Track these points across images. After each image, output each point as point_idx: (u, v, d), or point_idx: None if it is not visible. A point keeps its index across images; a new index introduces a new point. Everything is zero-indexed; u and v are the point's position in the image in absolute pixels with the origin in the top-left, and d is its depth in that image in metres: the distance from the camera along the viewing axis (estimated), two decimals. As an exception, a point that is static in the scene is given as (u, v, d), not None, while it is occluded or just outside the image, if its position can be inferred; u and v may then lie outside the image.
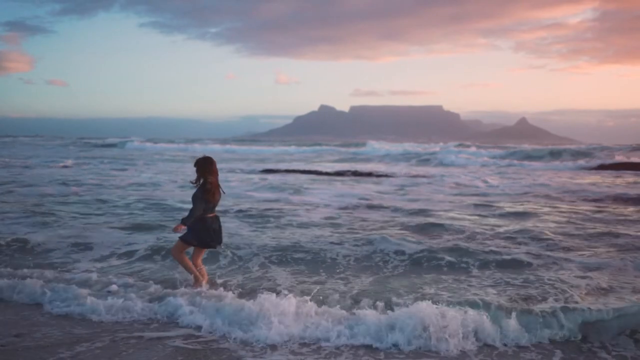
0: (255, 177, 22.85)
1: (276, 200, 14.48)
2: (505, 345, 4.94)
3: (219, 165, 6.52)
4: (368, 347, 4.88)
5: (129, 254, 8.16)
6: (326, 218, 11.51)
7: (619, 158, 34.22)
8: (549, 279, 6.72)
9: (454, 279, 6.91)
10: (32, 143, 78.98)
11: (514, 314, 5.18)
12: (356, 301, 5.87)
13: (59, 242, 8.74)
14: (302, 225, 10.55)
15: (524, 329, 5.07)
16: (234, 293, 5.98)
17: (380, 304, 5.57)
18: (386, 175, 24.52)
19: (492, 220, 11.36)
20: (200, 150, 52.96)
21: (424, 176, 24.10)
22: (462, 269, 7.39)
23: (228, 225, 10.10)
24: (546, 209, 13.17)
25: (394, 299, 5.87)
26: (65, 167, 28.54)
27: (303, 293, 6.14)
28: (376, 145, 57.32)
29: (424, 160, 38.73)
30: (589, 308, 5.30)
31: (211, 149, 57.43)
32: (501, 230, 10.12)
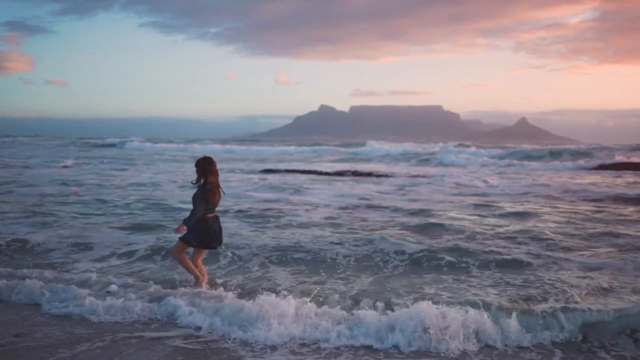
0: (255, 177, 22.84)
1: (276, 200, 14.48)
2: (505, 345, 4.93)
3: (219, 165, 6.51)
4: (368, 348, 4.86)
5: (129, 254, 8.16)
6: (326, 218, 11.51)
7: (619, 158, 34.22)
8: (549, 279, 6.71)
9: (454, 279, 6.91)
10: (32, 143, 78.96)
11: (514, 315, 5.15)
12: (356, 301, 5.86)
13: (59, 242, 8.73)
14: (302, 225, 10.54)
15: (525, 330, 5.05)
16: (234, 293, 5.97)
17: (380, 304, 5.55)
18: (386, 175, 24.52)
19: (492, 220, 11.36)
20: (200, 150, 52.97)
21: (424, 176, 24.10)
22: (462, 269, 7.39)
23: (228, 225, 10.10)
24: (546, 209, 13.16)
25: (394, 299, 5.87)
26: (65, 167, 28.54)
27: (303, 293, 6.14)
28: (376, 145, 57.28)
29: (423, 160, 38.73)
30: (590, 309, 5.28)
31: (211, 149, 57.43)
32: (501, 230, 10.12)
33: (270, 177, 22.92)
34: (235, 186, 18.06)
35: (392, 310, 5.33)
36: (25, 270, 6.97)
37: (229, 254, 7.93)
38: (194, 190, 6.35)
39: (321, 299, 5.91)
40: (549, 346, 4.94)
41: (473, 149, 47.63)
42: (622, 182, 21.53)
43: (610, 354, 4.81)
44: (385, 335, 4.95)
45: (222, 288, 6.25)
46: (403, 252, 8.06)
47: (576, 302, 5.74)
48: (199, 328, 5.24)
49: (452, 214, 12.12)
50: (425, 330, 4.89)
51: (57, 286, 6.22)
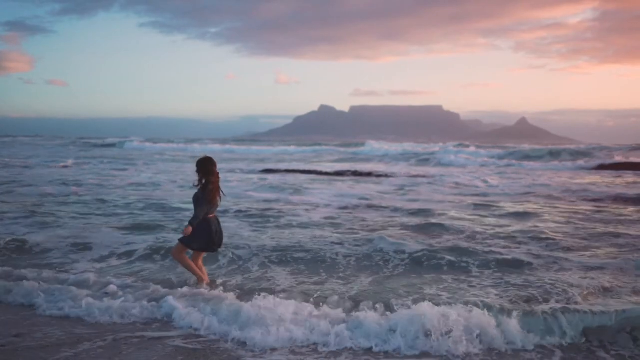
0: (255, 177, 22.84)
1: (276, 200, 14.48)
2: (507, 344, 4.88)
3: (218, 166, 6.49)
4: (368, 350, 4.81)
5: (128, 254, 8.14)
6: (326, 218, 11.50)
7: (619, 158, 34.23)
8: (549, 280, 6.70)
9: (454, 279, 6.90)
10: (31, 143, 78.95)
11: (516, 318, 5.10)
12: (356, 302, 5.83)
13: (58, 242, 8.71)
14: (302, 225, 10.54)
15: (527, 333, 4.98)
16: (233, 293, 5.95)
17: (380, 306, 5.53)
18: (386, 175, 24.51)
19: (492, 220, 11.36)
20: (200, 150, 52.98)
21: (424, 176, 24.10)
22: (462, 269, 7.37)
23: (228, 225, 10.09)
24: (546, 209, 13.16)
25: (395, 300, 5.84)
26: (65, 167, 28.54)
27: (303, 294, 6.13)
28: (375, 145, 57.21)
29: (423, 160, 38.72)
30: (591, 310, 5.24)
31: (211, 149, 57.41)
32: (501, 230, 10.11)
33: (270, 177, 22.92)
34: (235, 186, 18.05)
35: (393, 311, 5.29)
36: (23, 271, 6.92)
37: (229, 254, 7.92)
38: (194, 191, 6.33)
39: (321, 300, 5.89)
40: (548, 346, 4.93)
41: (472, 149, 47.61)
42: (622, 182, 21.53)
43: (610, 354, 4.80)
44: (386, 337, 4.89)
45: (221, 288, 6.24)
46: (403, 252, 8.05)
47: (578, 303, 5.71)
48: (198, 329, 5.21)
49: (452, 214, 12.11)
50: (427, 333, 4.83)
51: (53, 287, 6.17)
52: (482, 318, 5.03)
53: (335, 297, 5.99)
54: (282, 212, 12.10)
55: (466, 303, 5.41)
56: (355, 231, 9.94)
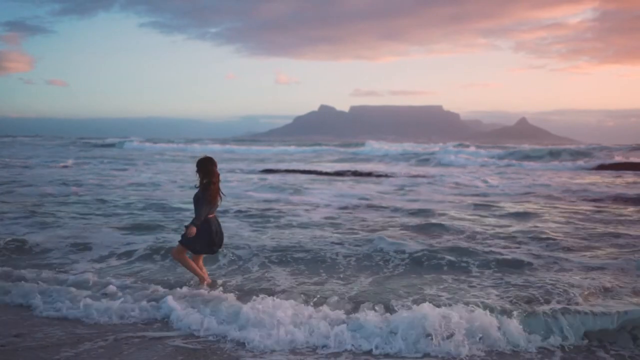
0: (255, 177, 22.84)
1: (276, 200, 14.47)
2: (508, 346, 4.86)
3: (218, 166, 6.48)
4: (368, 352, 4.77)
5: (128, 254, 8.13)
6: (326, 218, 11.50)
7: (619, 158, 34.23)
8: (550, 280, 6.69)
9: (454, 279, 6.89)
10: (31, 143, 78.94)
11: (517, 319, 5.08)
12: (356, 303, 5.80)
13: (58, 242, 8.70)
14: (302, 225, 10.53)
15: (528, 334, 4.95)
16: (233, 294, 5.94)
17: (381, 307, 5.50)
18: (386, 175, 24.51)
19: (492, 220, 11.35)
20: (200, 150, 52.96)
21: (424, 176, 24.09)
22: (462, 269, 7.37)
23: (228, 225, 10.09)
24: (546, 209, 13.16)
25: (395, 300, 5.82)
26: (65, 167, 28.54)
27: (303, 294, 6.11)
28: (375, 145, 57.16)
29: (423, 160, 38.71)
30: (592, 312, 5.22)
31: (211, 149, 57.40)
32: (501, 230, 10.11)
33: (270, 177, 22.92)
34: (235, 186, 18.05)
35: (394, 312, 5.27)
36: (22, 271, 6.91)
37: (229, 254, 7.92)
38: (195, 191, 6.32)
39: (321, 300, 5.86)
40: (549, 347, 4.90)
41: (472, 149, 47.58)
42: (622, 182, 21.53)
43: (610, 353, 4.80)
44: (387, 339, 4.85)
45: (221, 288, 6.24)
46: (403, 252, 8.04)
47: (579, 304, 5.69)
48: (197, 330, 5.19)
49: (452, 214, 12.11)
50: (428, 335, 4.78)
51: (51, 288, 6.15)
52: (484, 319, 4.99)
53: (335, 298, 5.97)
54: (282, 212, 12.09)
55: (466, 303, 5.39)
56: (355, 231, 9.94)
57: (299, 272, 7.29)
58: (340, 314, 5.31)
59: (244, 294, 6.10)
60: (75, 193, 15.59)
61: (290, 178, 22.60)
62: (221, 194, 6.36)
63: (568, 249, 8.52)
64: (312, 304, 5.67)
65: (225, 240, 6.78)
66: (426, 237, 9.40)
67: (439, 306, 5.24)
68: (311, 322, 5.13)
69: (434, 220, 11.03)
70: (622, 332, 5.05)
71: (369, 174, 25.33)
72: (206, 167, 6.22)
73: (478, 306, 5.31)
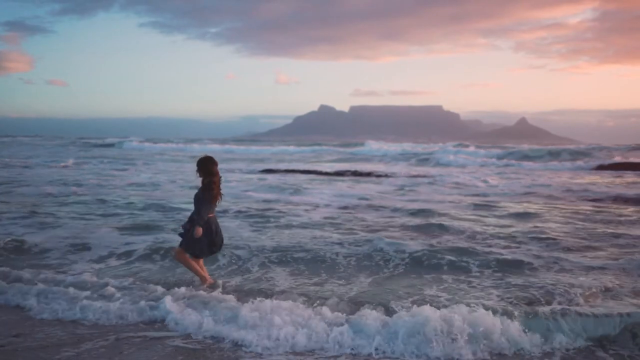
0: (255, 177, 22.83)
1: (276, 201, 14.46)
2: (510, 348, 4.82)
3: (218, 166, 6.47)
4: (368, 356, 4.73)
5: (128, 254, 8.12)
6: (326, 218, 11.49)
7: (618, 158, 34.22)
8: (551, 280, 6.68)
9: (455, 279, 6.87)
10: (31, 143, 78.91)
11: (519, 321, 5.05)
12: (356, 304, 5.75)
13: (57, 242, 8.69)
14: (302, 225, 10.52)
15: (529, 335, 4.92)
16: (233, 295, 5.92)
17: (381, 309, 5.45)
18: (386, 175, 24.49)
19: (492, 220, 11.34)
20: (199, 150, 52.94)
21: (424, 176, 24.08)
22: (462, 269, 7.35)
23: (228, 225, 10.08)
24: (546, 209, 13.15)
25: (395, 302, 5.79)
26: (66, 167, 28.53)
27: (302, 295, 6.09)
28: (374, 146, 57.08)
29: (422, 160, 38.70)
30: (594, 313, 5.21)
31: (210, 149, 57.37)
32: (501, 230, 10.10)
33: (270, 177, 22.91)
34: (235, 186, 18.03)
35: (395, 313, 5.21)
36: (21, 272, 6.87)
37: (229, 254, 7.90)
38: (194, 191, 6.30)
39: (320, 303, 5.79)
40: (550, 348, 4.88)
41: (472, 148, 47.53)
42: (622, 182, 21.52)
43: (609, 353, 4.79)
44: (387, 342, 4.79)
45: (221, 289, 6.22)
46: (403, 252, 8.03)
47: (580, 305, 5.68)
48: (196, 330, 5.18)
49: (452, 214, 12.10)
50: (429, 337, 4.73)
51: (48, 289, 6.11)
52: (486, 320, 4.93)
53: (335, 299, 5.94)
54: (282, 212, 12.08)
55: (467, 304, 5.35)
56: (355, 231, 9.93)
57: (299, 272, 7.28)
58: (340, 316, 5.27)
59: (244, 295, 6.09)
60: (75, 193, 15.58)
61: (290, 178, 22.59)
62: (220, 194, 6.35)
63: (568, 249, 8.51)
64: (311, 305, 5.64)
65: (225, 240, 6.77)
66: (426, 237, 9.39)
67: (439, 308, 5.20)
68: (310, 324, 5.08)
69: (434, 220, 11.02)
70: (622, 332, 5.04)
71: (369, 174, 25.31)
72: (207, 167, 6.21)
73: (479, 307, 5.25)
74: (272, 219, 11.17)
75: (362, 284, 6.68)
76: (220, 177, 6.30)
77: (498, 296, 6.10)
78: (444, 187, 19.14)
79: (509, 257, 7.83)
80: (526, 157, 39.21)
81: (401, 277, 7.03)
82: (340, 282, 6.80)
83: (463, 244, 8.70)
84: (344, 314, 5.34)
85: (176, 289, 6.11)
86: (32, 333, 5.11)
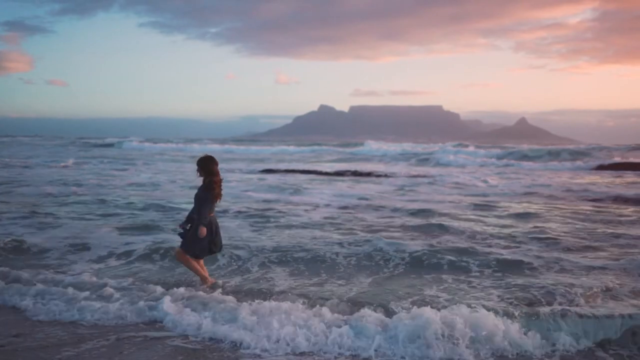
0: (255, 177, 22.83)
1: (276, 201, 14.46)
2: (511, 349, 4.80)
3: (218, 166, 6.46)
4: (368, 359, 4.68)
5: (127, 254, 8.11)
6: (326, 218, 11.48)
7: (618, 158, 34.21)
8: (551, 280, 6.67)
9: (455, 279, 6.86)
10: (31, 143, 78.89)
11: (519, 322, 5.03)
12: (356, 304, 5.71)
13: (57, 242, 8.68)
14: (301, 226, 10.51)
15: (530, 336, 4.89)
16: (232, 295, 5.91)
17: (381, 310, 5.42)
18: (386, 175, 24.49)
19: (492, 220, 11.34)
20: (199, 150, 52.94)
21: (424, 176, 24.07)
22: (462, 269, 7.34)
23: (228, 225, 10.08)
24: (546, 209, 13.14)
25: (395, 302, 5.77)
26: (66, 167, 28.53)
27: (302, 295, 6.07)
28: (374, 146, 57.03)
29: (422, 160, 38.70)
30: (594, 315, 5.19)
31: (210, 149, 57.34)
32: (501, 230, 10.09)
33: (270, 177, 22.90)
34: (235, 186, 18.03)
35: (395, 314, 5.19)
36: (20, 272, 6.85)
37: (228, 254, 7.90)
38: (194, 191, 6.30)
39: (320, 303, 5.75)
40: (550, 348, 4.87)
41: (471, 148, 47.52)
42: (622, 182, 21.52)
43: (609, 353, 4.79)
44: (387, 344, 4.75)
45: (221, 289, 6.21)
46: (403, 252, 8.02)
47: (581, 305, 5.66)
48: (196, 330, 5.16)
49: (452, 214, 12.09)
50: (430, 339, 4.70)
51: (46, 289, 6.09)
52: (487, 322, 4.90)
53: (335, 300, 5.90)
54: (281, 212, 12.08)
55: (467, 305, 5.33)
56: (355, 231, 9.92)
57: (299, 272, 7.27)
58: (340, 317, 5.24)
59: (243, 295, 6.08)
60: (74, 193, 15.57)
61: (290, 178, 22.59)
62: (220, 194, 6.35)
63: (568, 249, 8.50)
64: (311, 305, 5.61)
65: (225, 240, 6.77)
66: (426, 237, 9.38)
67: (439, 309, 5.18)
68: (310, 325, 5.06)
69: (434, 220, 11.01)
70: (620, 333, 5.03)
71: (369, 174, 25.31)
72: (207, 166, 6.21)
73: (480, 308, 5.23)
74: (272, 219, 11.16)
75: (362, 284, 6.67)
76: (222, 178, 6.30)
77: (498, 296, 6.09)
78: (444, 187, 19.13)
79: (509, 257, 7.83)
80: (526, 157, 39.22)
81: (401, 277, 7.03)
82: (340, 282, 6.79)
83: (463, 244, 8.69)
84: (344, 315, 5.32)
85: (175, 289, 6.10)
86: (32, 333, 5.11)
